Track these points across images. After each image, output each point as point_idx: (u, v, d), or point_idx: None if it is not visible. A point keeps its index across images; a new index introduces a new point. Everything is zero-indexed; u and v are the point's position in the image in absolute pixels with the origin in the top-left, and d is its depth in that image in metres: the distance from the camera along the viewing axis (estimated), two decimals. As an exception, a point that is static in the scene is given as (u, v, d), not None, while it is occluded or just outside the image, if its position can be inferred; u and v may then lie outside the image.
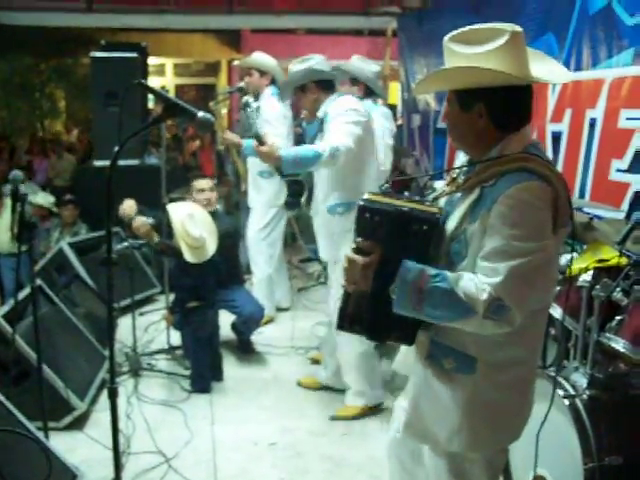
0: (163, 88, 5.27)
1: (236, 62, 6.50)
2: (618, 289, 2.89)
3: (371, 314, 2.00)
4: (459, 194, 2.02)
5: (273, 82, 5.38)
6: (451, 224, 1.97)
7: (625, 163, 4.15)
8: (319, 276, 5.94)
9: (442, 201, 2.11)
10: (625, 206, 4.02)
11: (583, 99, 4.62)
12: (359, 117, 3.74)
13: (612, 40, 4.33)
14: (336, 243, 3.83)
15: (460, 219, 1.94)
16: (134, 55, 6.52)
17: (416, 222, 1.88)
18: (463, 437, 2.03)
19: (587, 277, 2.97)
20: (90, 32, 11.02)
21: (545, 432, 2.23)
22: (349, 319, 2.05)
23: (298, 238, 7.79)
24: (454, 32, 1.96)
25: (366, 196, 2.00)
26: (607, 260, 3.08)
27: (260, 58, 5.48)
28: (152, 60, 11.02)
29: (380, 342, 2.15)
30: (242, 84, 5.66)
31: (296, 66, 3.92)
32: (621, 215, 3.85)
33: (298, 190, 4.08)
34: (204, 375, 4.52)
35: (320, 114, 3.87)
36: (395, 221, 1.91)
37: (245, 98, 3.82)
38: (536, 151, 1.93)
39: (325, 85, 3.90)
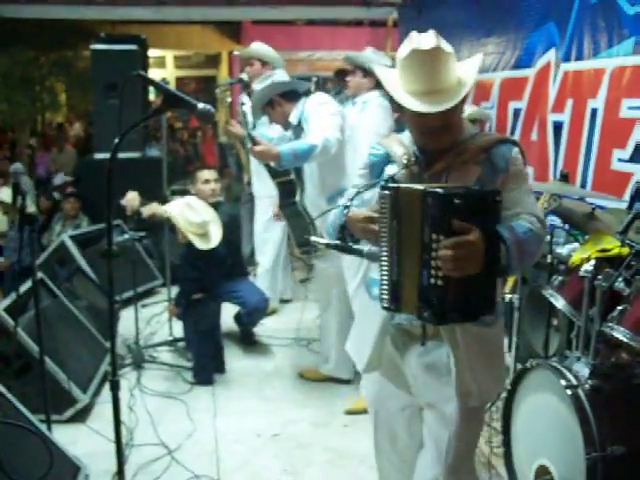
0: (164, 80, 5.25)
1: (236, 52, 6.45)
2: (620, 279, 2.88)
3: (470, 298, 1.97)
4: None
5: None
6: None
7: (627, 153, 4.14)
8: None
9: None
10: (627, 196, 4.01)
11: (584, 89, 4.60)
12: (334, 108, 3.90)
13: (613, 29, 4.31)
14: None
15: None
16: (134, 47, 6.54)
17: (491, 195, 2.00)
18: (502, 377, 2.43)
19: (589, 267, 2.96)
20: (90, 25, 10.98)
21: (547, 422, 2.24)
22: (450, 311, 1.97)
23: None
24: (429, 40, 2.06)
25: (421, 187, 1.99)
26: (609, 250, 3.07)
27: (261, 48, 5.47)
28: (152, 52, 11.00)
29: (474, 321, 2.10)
30: (243, 75, 5.65)
31: (258, 86, 4.08)
32: (623, 205, 3.84)
33: (291, 190, 4.09)
34: (206, 367, 4.53)
35: (293, 120, 3.96)
36: (480, 199, 1.99)
37: (241, 100, 3.94)
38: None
39: (290, 96, 4.00)
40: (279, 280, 5.97)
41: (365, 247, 2.24)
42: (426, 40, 2.05)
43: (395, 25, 8.87)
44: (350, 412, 4.08)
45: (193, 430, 3.85)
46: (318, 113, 3.83)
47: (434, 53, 2.04)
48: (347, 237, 2.29)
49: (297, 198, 4.07)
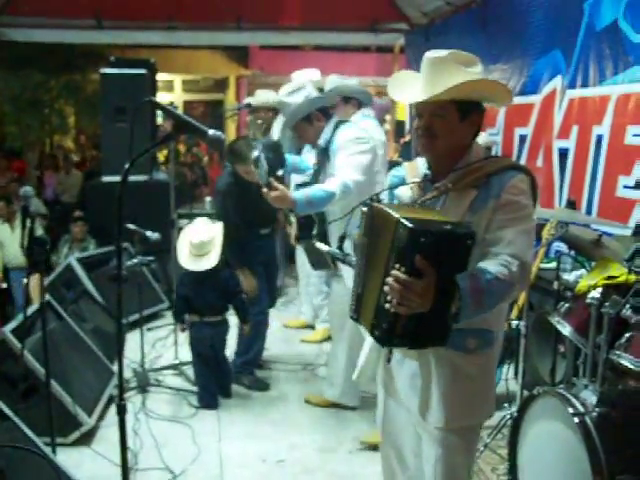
0: (172, 104, 5.27)
1: (250, 101, 6.38)
2: (627, 306, 2.88)
3: (423, 328, 2.00)
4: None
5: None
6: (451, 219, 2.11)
7: (632, 179, 4.16)
8: (327, 293, 5.94)
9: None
10: (632, 222, 4.01)
11: (590, 115, 4.63)
12: (363, 146, 3.76)
13: (618, 57, 4.35)
14: None
15: (462, 213, 2.14)
16: (143, 71, 6.59)
17: (465, 238, 1.95)
18: (487, 405, 2.30)
19: (596, 294, 2.96)
20: (99, 48, 11.12)
21: (554, 450, 2.23)
22: (399, 336, 2.02)
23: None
24: (447, 51, 2.17)
25: (397, 213, 1.99)
26: (616, 277, 3.07)
27: (270, 97, 5.54)
28: (161, 76, 11.09)
29: (421, 349, 2.16)
30: (250, 100, 5.71)
31: (292, 97, 3.97)
32: (628, 231, 3.85)
33: (308, 223, 4.00)
34: (209, 390, 4.50)
35: (322, 142, 3.88)
36: (448, 240, 1.95)
37: (254, 154, 3.79)
38: (491, 154, 2.41)
39: (326, 112, 3.93)
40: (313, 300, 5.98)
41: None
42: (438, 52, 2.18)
43: (402, 51, 8.95)
44: (364, 443, 3.99)
45: (198, 454, 3.84)
46: (347, 150, 3.71)
47: (435, 60, 2.16)
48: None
49: (314, 232, 3.96)
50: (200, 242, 4.38)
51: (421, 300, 1.91)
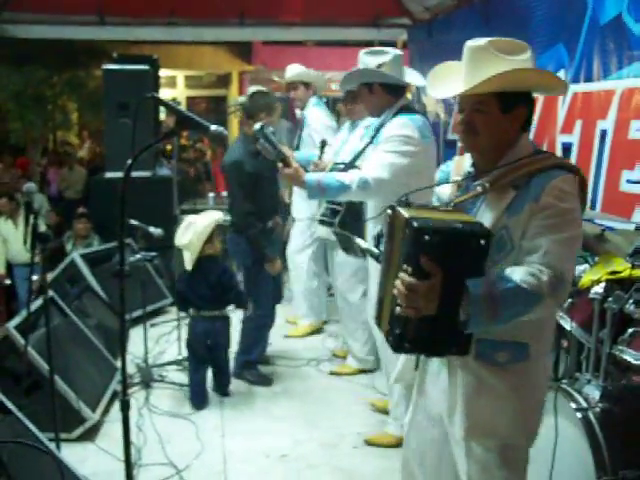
0: (174, 100, 5.27)
1: (276, 78, 6.38)
2: (630, 301, 2.87)
3: (434, 334, 1.95)
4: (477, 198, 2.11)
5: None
6: (486, 222, 2.01)
7: (636, 174, 4.14)
8: (329, 288, 5.94)
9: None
10: (636, 217, 4.00)
11: (594, 110, 4.61)
12: (407, 147, 3.39)
13: (623, 51, 4.33)
14: None
15: (498, 216, 2.02)
16: (146, 67, 6.59)
17: (475, 238, 1.87)
18: (521, 423, 2.12)
19: (599, 289, 2.96)
20: (102, 45, 11.12)
21: (558, 446, 2.22)
22: (410, 342, 1.99)
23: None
24: (488, 39, 2.05)
25: (408, 214, 1.95)
26: (619, 272, 3.06)
27: (302, 71, 5.52)
28: (163, 72, 11.09)
29: (439, 357, 2.13)
30: (277, 77, 5.75)
31: (367, 58, 3.58)
32: (632, 226, 3.84)
33: (334, 209, 3.93)
34: (197, 390, 4.45)
35: (376, 123, 3.62)
36: (455, 239, 1.88)
37: (257, 126, 3.52)
38: (541, 149, 2.14)
39: (393, 90, 3.57)
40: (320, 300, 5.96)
41: None
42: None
43: (405, 46, 8.92)
44: (370, 442, 3.94)
45: (201, 450, 3.84)
46: (387, 145, 3.41)
47: (473, 49, 2.06)
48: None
49: (337, 219, 3.89)
50: (178, 245, 4.41)
51: (425, 302, 1.87)
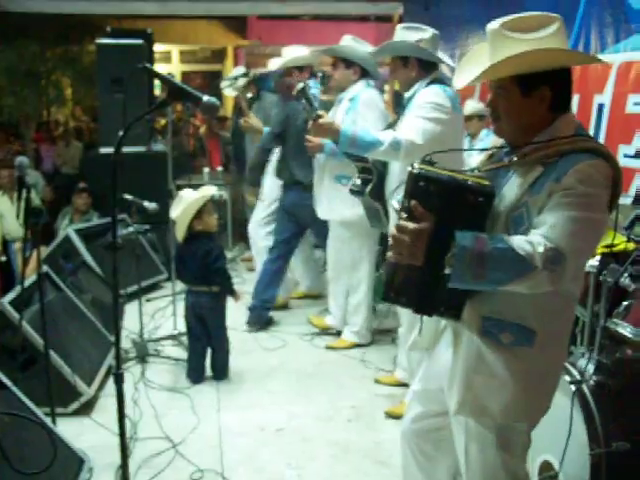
0: (169, 74, 5.20)
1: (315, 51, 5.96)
2: (626, 274, 2.87)
3: (421, 287, 1.94)
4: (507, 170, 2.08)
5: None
6: (510, 195, 1.99)
7: (633, 148, 4.13)
8: (324, 263, 5.94)
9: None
10: (632, 191, 3.99)
11: (591, 84, 4.58)
12: (439, 114, 3.48)
13: (620, 24, 4.30)
14: None
15: (522, 191, 1.97)
16: (140, 42, 6.53)
17: (472, 193, 1.85)
18: (519, 408, 2.10)
19: (594, 262, 2.95)
20: (96, 19, 11.00)
21: (551, 418, 2.23)
22: (395, 291, 2.00)
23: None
24: (501, 20, 2.00)
25: (418, 165, 1.95)
26: (615, 245, 3.06)
27: (291, 58, 5.32)
28: (158, 47, 11.02)
29: (428, 315, 2.12)
30: (246, 69, 5.67)
31: (405, 32, 3.66)
32: (628, 200, 3.83)
33: (365, 177, 3.92)
34: (193, 365, 4.44)
35: (408, 94, 3.68)
36: (451, 190, 1.87)
37: (301, 84, 3.70)
38: (586, 133, 2.05)
39: (427, 65, 3.66)
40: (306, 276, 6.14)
41: None
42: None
43: (401, 20, 8.86)
44: (390, 414, 3.94)
45: (197, 424, 3.86)
46: (420, 111, 3.49)
47: (490, 33, 2.02)
48: None
49: (368, 189, 3.89)
50: (172, 218, 4.41)
51: (411, 248, 1.85)
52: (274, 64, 5.63)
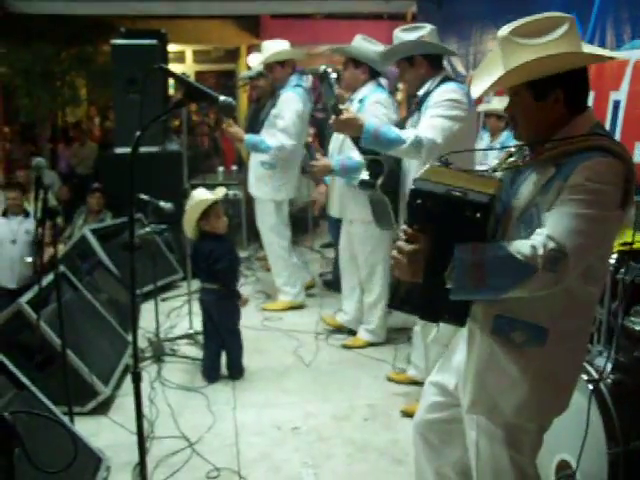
0: (184, 74, 5.17)
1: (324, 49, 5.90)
2: (643, 273, 2.86)
3: (424, 298, 1.98)
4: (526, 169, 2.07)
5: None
6: (525, 195, 2.00)
7: (649, 146, 4.10)
8: (335, 261, 5.95)
9: (499, 174, 2.16)
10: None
11: (607, 81, 4.55)
12: (458, 111, 3.48)
13: (636, 20, 4.26)
14: None
15: (533, 192, 1.97)
16: (154, 42, 6.55)
17: (470, 208, 1.85)
18: (530, 408, 2.08)
19: (611, 260, 2.94)
20: (110, 20, 11.05)
21: (569, 416, 2.22)
22: (400, 299, 2.05)
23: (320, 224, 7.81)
24: (510, 26, 1.98)
25: (420, 175, 1.96)
26: (632, 244, 3.04)
27: (272, 54, 5.26)
28: (172, 47, 11.02)
29: (433, 322, 2.15)
30: (261, 68, 5.64)
31: (404, 34, 3.67)
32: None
33: (376, 171, 3.86)
34: (209, 364, 4.46)
35: (420, 92, 3.66)
36: (446, 205, 1.87)
37: (323, 67, 3.62)
38: (603, 131, 2.02)
39: (434, 61, 3.67)
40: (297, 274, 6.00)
41: None
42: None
43: (414, 18, 8.84)
44: (406, 412, 3.91)
45: (213, 422, 3.87)
46: (438, 109, 3.48)
47: (499, 41, 2.01)
48: None
49: (379, 182, 3.83)
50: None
51: (410, 267, 1.90)
52: (254, 60, 5.58)
